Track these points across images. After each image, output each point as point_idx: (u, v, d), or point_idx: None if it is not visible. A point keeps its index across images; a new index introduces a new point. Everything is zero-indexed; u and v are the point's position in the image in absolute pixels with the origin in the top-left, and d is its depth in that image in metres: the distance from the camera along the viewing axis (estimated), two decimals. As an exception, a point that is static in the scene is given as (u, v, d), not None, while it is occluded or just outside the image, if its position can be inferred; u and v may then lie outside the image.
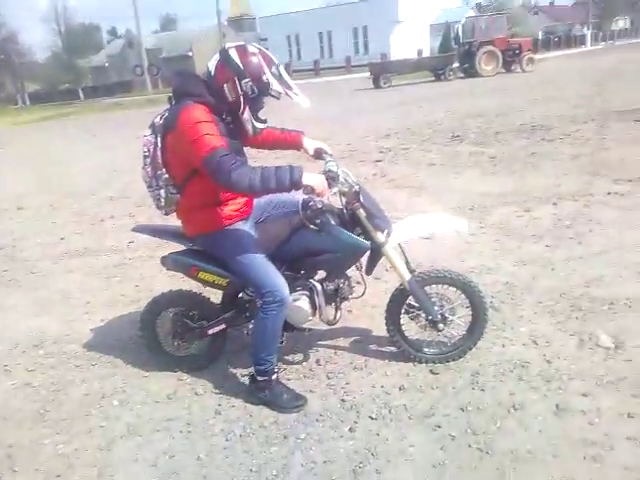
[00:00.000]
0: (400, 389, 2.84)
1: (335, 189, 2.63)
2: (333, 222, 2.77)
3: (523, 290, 3.79)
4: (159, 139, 2.66)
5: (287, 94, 2.58)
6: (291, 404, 2.77)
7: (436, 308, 2.95)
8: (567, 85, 16.52)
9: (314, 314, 2.95)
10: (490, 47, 24.53)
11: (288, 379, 2.99)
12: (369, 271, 2.98)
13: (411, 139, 10.08)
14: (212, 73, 2.58)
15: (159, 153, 2.66)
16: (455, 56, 26.60)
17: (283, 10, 60.75)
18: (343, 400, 2.80)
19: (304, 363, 3.18)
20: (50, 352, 3.59)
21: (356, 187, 2.72)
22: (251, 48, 2.58)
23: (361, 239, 2.78)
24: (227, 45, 2.60)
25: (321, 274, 2.98)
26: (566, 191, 5.90)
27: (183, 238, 2.94)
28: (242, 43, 2.62)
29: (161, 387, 3.07)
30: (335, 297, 2.97)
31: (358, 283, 3.12)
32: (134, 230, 3.19)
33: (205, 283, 2.93)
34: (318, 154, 2.99)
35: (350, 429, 2.59)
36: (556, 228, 4.91)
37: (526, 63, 24.72)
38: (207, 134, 2.44)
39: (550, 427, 2.48)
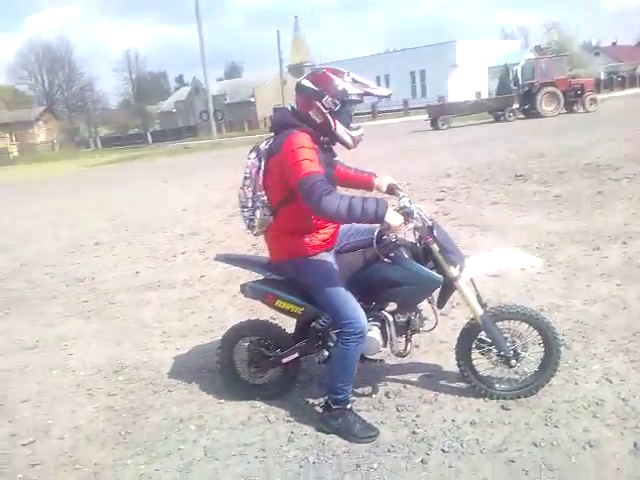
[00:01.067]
0: (471, 424, 2.84)
1: (410, 225, 2.73)
2: (406, 256, 2.85)
3: (594, 328, 3.72)
4: (262, 163, 2.85)
5: (366, 92, 2.74)
6: (364, 434, 2.81)
7: (508, 344, 2.95)
8: (631, 124, 16.12)
9: (385, 345, 3.01)
10: (551, 88, 24.35)
11: (358, 410, 3.03)
12: (441, 305, 3.04)
13: (472, 178, 10.08)
14: (296, 107, 2.80)
15: (261, 175, 2.84)
16: (514, 97, 26.51)
17: (343, 57, 62.31)
18: (414, 432, 2.83)
19: (373, 395, 3.22)
20: (130, 378, 3.79)
21: (429, 222, 2.81)
22: (319, 70, 2.78)
23: (434, 273, 2.84)
24: (299, 79, 2.80)
25: (392, 306, 3.05)
26: (635, 230, 5.76)
27: (263, 268, 3.10)
28: (310, 71, 2.82)
29: (235, 413, 3.18)
30: (406, 329, 3.03)
31: (426, 318, 3.16)
32: (217, 259, 3.36)
33: (281, 311, 3.05)
34: (391, 190, 3.12)
35: (422, 461, 2.61)
36: (626, 267, 4.79)
37: (589, 103, 24.36)
38: (307, 159, 2.61)
39: (628, 466, 2.42)
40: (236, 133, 44.83)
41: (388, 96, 2.86)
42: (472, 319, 2.99)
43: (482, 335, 3.01)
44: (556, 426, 2.74)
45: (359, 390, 3.25)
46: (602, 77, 47.15)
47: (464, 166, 11.66)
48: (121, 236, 8.79)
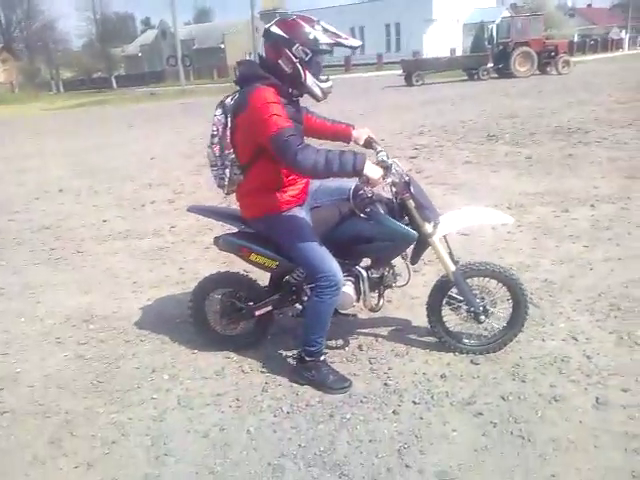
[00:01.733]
0: (441, 377, 2.92)
1: (388, 180, 2.70)
2: (382, 211, 2.85)
3: (561, 288, 3.83)
4: (229, 119, 2.75)
5: (337, 42, 2.66)
6: (337, 385, 2.86)
7: (478, 300, 3.01)
8: (603, 89, 16.29)
9: (358, 300, 3.04)
10: (526, 48, 24.29)
11: (332, 362, 3.07)
12: (414, 261, 3.06)
13: (445, 137, 10.09)
14: (264, 56, 2.70)
15: (228, 133, 2.76)
16: (489, 56, 26.38)
17: (314, 5, 60.64)
18: (386, 384, 2.89)
19: (346, 348, 3.27)
20: (100, 327, 3.75)
21: (406, 178, 2.80)
22: (289, 18, 2.67)
23: (409, 229, 2.85)
24: (267, 26, 2.68)
25: (366, 262, 3.06)
26: (603, 193, 5.89)
27: (236, 220, 3.06)
28: (278, 17, 2.71)
29: (209, 364, 3.19)
30: (379, 285, 3.06)
31: (399, 274, 3.18)
32: (189, 210, 3.30)
33: (255, 264, 3.03)
34: (369, 144, 3.08)
35: (394, 412, 2.68)
36: (594, 229, 4.92)
37: (562, 65, 24.42)
38: (275, 114, 2.53)
39: (591, 419, 2.53)
40: (205, 80, 43.50)
41: (358, 47, 2.79)
42: (444, 275, 3.03)
43: (453, 292, 3.06)
44: (523, 381, 2.83)
45: (332, 343, 3.30)
46: (575, 39, 47.20)
47: (438, 124, 11.65)
48: (87, 183, 8.54)
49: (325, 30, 2.64)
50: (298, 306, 3.08)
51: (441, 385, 2.86)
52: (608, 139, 8.71)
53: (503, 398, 2.72)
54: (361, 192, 2.83)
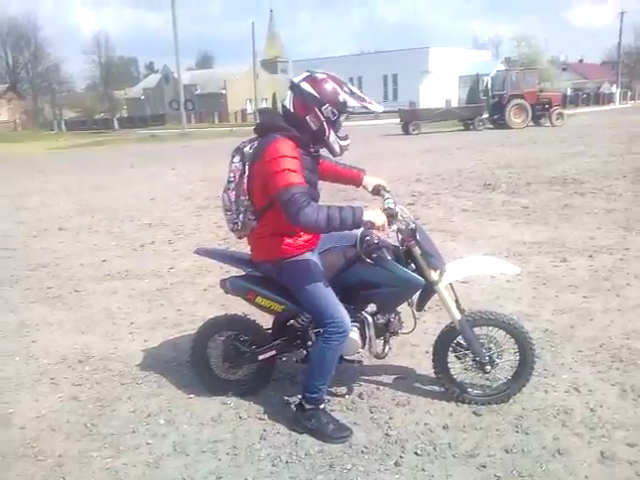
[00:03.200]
0: (444, 428, 2.86)
1: (394, 226, 2.73)
2: (389, 257, 2.86)
3: (563, 338, 3.80)
4: (247, 167, 2.80)
5: (363, 106, 2.79)
6: (337, 434, 2.81)
7: (484, 350, 2.99)
8: (596, 141, 16.64)
9: (363, 346, 3.01)
10: (520, 100, 24.89)
11: (332, 410, 3.02)
12: (420, 308, 3.06)
13: (442, 185, 10.22)
14: (291, 109, 2.74)
15: (245, 180, 2.79)
16: (484, 107, 27.00)
17: (314, 55, 62.36)
18: (387, 434, 2.83)
19: (347, 396, 3.21)
20: (96, 368, 3.68)
21: (412, 225, 2.83)
22: (319, 75, 2.72)
23: (415, 275, 2.86)
24: (296, 80, 2.74)
25: (372, 308, 3.04)
26: (601, 244, 5.93)
27: (243, 263, 3.06)
28: (309, 74, 2.75)
29: (206, 409, 3.13)
30: (385, 331, 3.04)
31: (402, 322, 3.16)
32: (196, 252, 3.29)
33: (261, 308, 3.02)
34: (377, 191, 3.12)
35: (395, 463, 2.62)
36: (593, 280, 4.93)
37: (556, 118, 25.01)
38: (288, 169, 2.58)
39: (596, 475, 2.48)
40: (206, 124, 44.31)
41: (381, 112, 2.91)
42: (451, 323, 3.02)
43: (458, 339, 3.04)
44: (527, 433, 2.79)
45: (332, 390, 3.24)
46: (568, 93, 48.44)
47: (435, 172, 11.81)
48: (86, 222, 8.57)
49: (352, 93, 2.74)
50: (303, 351, 3.06)
51: (443, 436, 2.81)
52: (603, 190, 8.83)
53: (506, 451, 2.66)
54: (368, 238, 2.87)
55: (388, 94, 54.10)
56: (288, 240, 2.82)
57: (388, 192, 3.04)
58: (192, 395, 3.27)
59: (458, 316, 2.94)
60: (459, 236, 6.57)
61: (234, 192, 2.84)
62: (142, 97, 67.63)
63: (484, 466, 2.57)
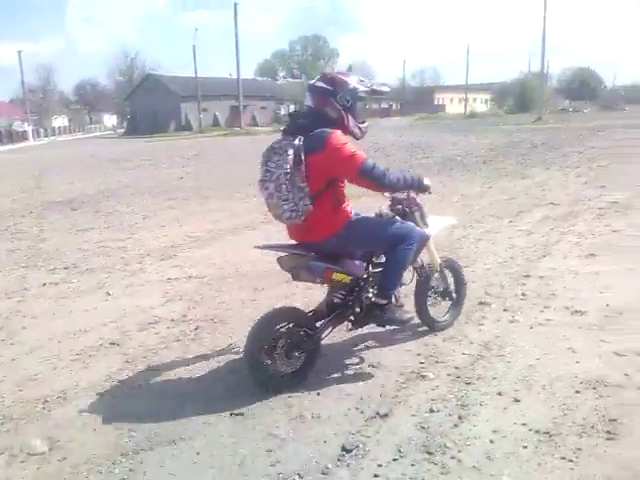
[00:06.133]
0: None
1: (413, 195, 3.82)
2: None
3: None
4: (302, 157, 3.17)
5: (371, 89, 3.38)
6: (406, 317, 3.68)
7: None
8: (5, 179, 16.25)
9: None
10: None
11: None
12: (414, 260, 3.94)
13: None
14: (312, 106, 3.31)
15: (303, 169, 3.17)
16: None
17: None
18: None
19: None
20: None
21: (418, 200, 3.86)
22: (329, 73, 3.35)
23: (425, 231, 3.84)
24: (311, 82, 3.38)
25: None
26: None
27: (304, 249, 3.40)
28: (320, 75, 3.37)
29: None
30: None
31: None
32: (258, 247, 3.51)
33: (334, 283, 3.49)
34: None
35: None
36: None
37: None
38: (355, 151, 3.19)
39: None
40: None
41: (388, 91, 3.69)
42: (422, 272, 4.07)
43: (431, 284, 4.13)
44: None
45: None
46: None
47: None
48: None
49: (360, 80, 3.35)
50: (352, 317, 3.64)
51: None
52: (8, 230, 8.50)
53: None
54: (398, 207, 3.81)
55: None
56: (343, 209, 3.38)
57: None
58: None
59: (439, 260, 4.09)
60: None
61: (289, 182, 3.14)
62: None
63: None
